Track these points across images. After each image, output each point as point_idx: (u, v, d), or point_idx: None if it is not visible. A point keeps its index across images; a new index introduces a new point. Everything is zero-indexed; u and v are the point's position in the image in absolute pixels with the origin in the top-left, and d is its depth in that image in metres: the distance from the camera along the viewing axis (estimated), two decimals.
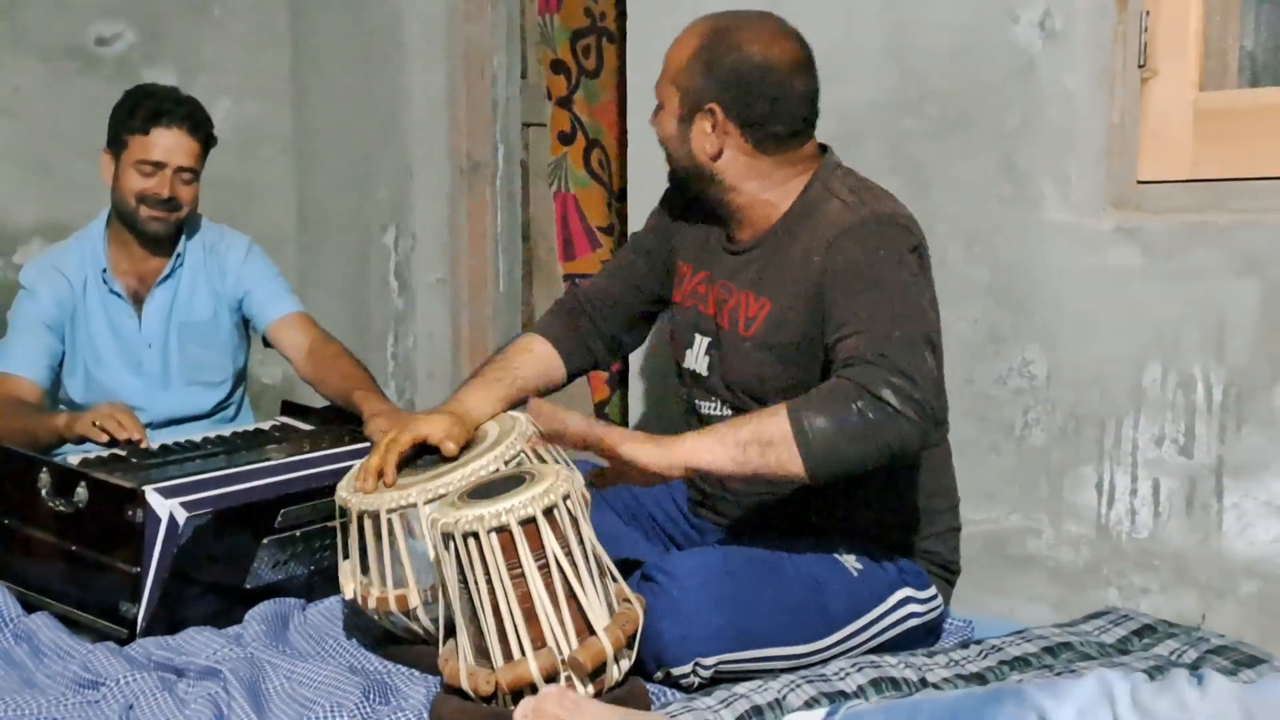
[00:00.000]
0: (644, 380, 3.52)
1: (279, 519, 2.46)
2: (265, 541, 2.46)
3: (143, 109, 3.13)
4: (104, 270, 3.23)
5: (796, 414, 2.11)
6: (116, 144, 3.16)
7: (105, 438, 2.79)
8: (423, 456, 2.34)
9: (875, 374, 2.12)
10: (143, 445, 2.75)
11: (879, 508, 2.43)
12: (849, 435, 2.10)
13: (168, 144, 3.12)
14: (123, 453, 2.66)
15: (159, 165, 3.12)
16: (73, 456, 2.62)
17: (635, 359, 3.50)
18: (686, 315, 2.56)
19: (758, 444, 2.12)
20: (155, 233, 3.19)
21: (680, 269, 2.59)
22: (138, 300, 3.26)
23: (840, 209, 2.34)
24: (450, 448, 2.31)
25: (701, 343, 2.51)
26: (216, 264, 3.31)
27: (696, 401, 2.53)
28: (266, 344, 3.36)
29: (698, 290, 2.53)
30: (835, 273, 2.27)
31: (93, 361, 3.23)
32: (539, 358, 2.62)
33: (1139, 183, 2.72)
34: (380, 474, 2.28)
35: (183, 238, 3.27)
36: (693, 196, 2.55)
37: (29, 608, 2.44)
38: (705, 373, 2.49)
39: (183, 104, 3.17)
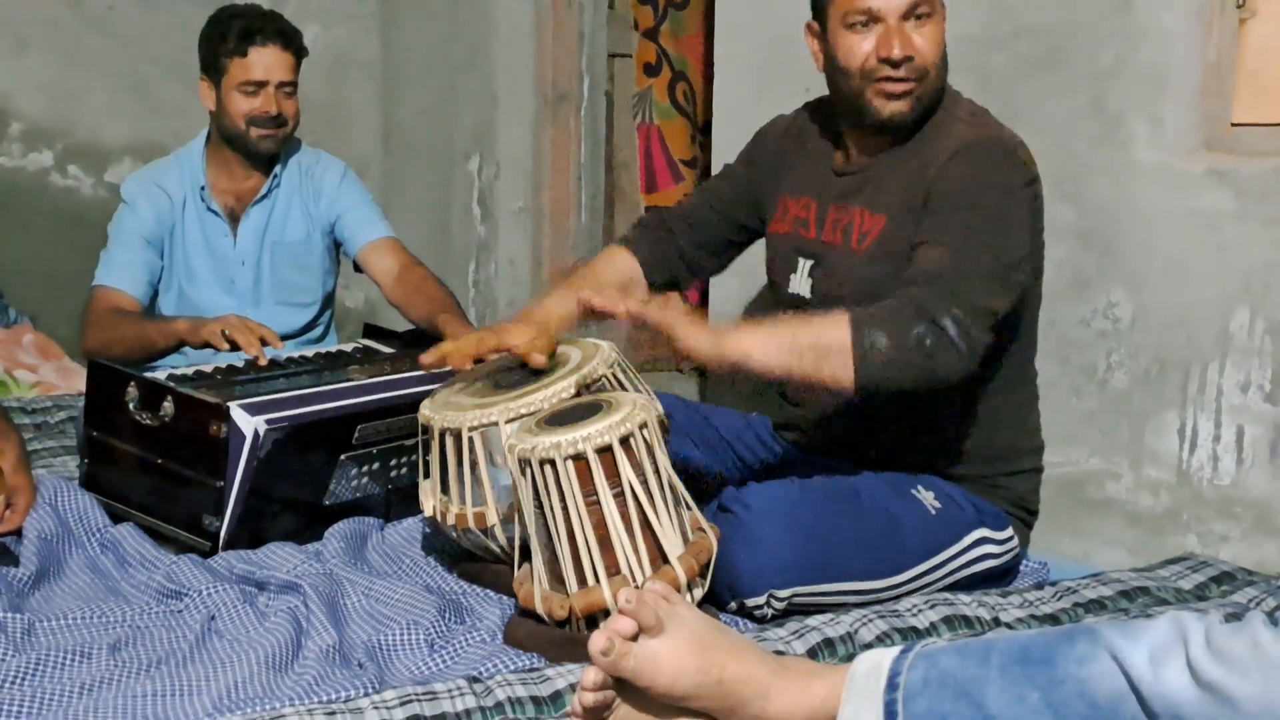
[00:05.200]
0: (722, 311, 3.51)
1: (356, 435, 2.49)
2: (343, 458, 2.49)
3: (234, 31, 3.16)
4: (202, 188, 3.27)
5: (859, 328, 2.12)
6: (214, 70, 3.19)
7: (227, 346, 2.81)
8: (504, 373, 2.37)
9: (941, 300, 2.14)
10: (262, 363, 2.77)
11: (961, 439, 2.43)
12: (904, 359, 2.12)
13: (267, 62, 3.16)
14: (208, 369, 2.70)
15: (261, 84, 3.16)
16: (160, 372, 2.66)
17: (714, 290, 3.50)
18: (787, 241, 2.55)
19: (814, 352, 2.13)
20: (267, 151, 3.24)
21: (782, 203, 2.58)
22: (234, 218, 3.30)
23: (962, 129, 2.35)
24: (539, 359, 2.31)
25: (804, 265, 2.50)
26: (312, 187, 3.35)
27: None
28: (357, 268, 3.40)
29: (799, 216, 2.53)
30: (942, 184, 2.28)
31: (186, 279, 3.28)
32: (622, 270, 2.64)
33: (1233, 125, 2.67)
34: (446, 356, 2.32)
35: (280, 159, 3.31)
36: (830, 125, 2.52)
37: (115, 518, 2.48)
38: (808, 295, 2.48)
39: (272, 20, 3.21)
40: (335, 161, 3.42)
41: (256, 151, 3.24)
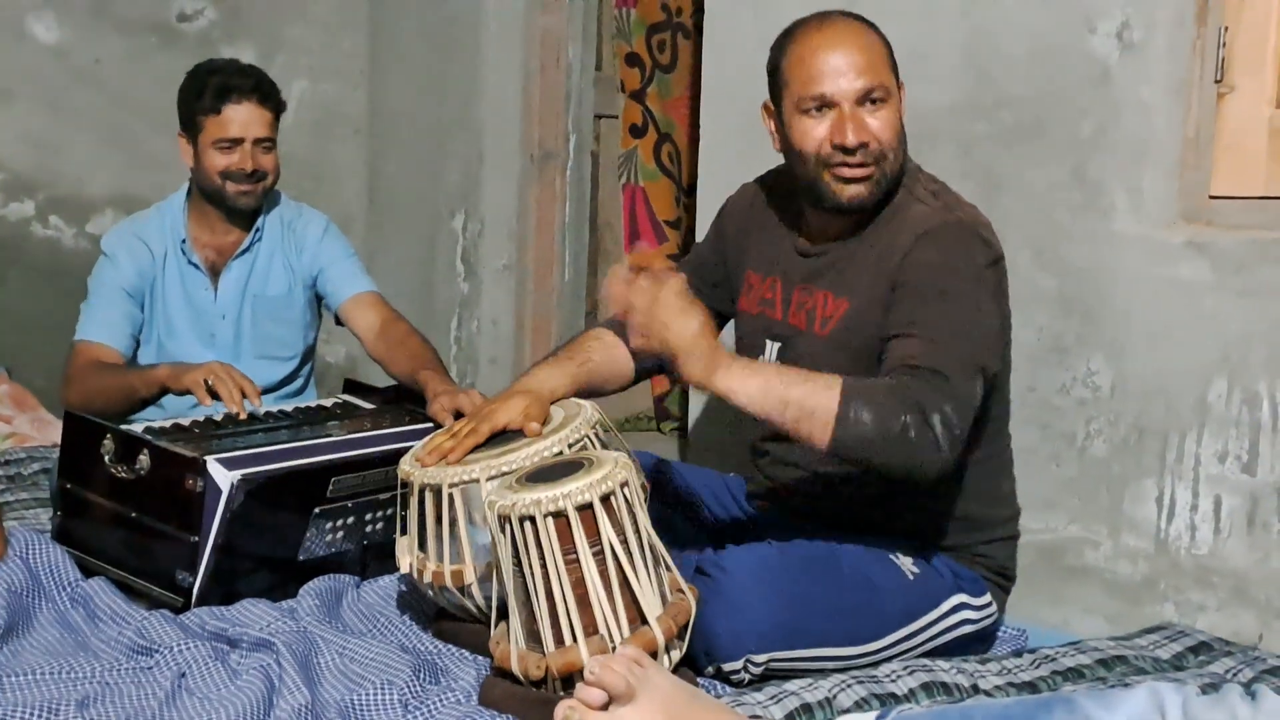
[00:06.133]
0: None
1: (330, 488, 2.47)
2: (317, 512, 2.47)
3: (210, 88, 3.14)
4: (183, 241, 3.25)
5: (848, 400, 2.11)
6: (191, 127, 3.18)
7: (209, 401, 2.79)
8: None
9: (934, 395, 2.12)
10: (241, 417, 2.75)
11: (938, 511, 2.43)
12: (884, 443, 2.11)
13: (242, 118, 3.14)
14: (185, 423, 2.68)
15: (237, 141, 3.14)
16: (137, 424, 2.64)
17: None
18: (755, 321, 2.55)
19: (799, 409, 2.13)
20: (245, 206, 3.22)
21: (749, 278, 2.58)
22: (215, 272, 3.28)
23: (924, 212, 2.34)
24: (535, 428, 2.30)
25: (772, 348, 2.49)
26: (294, 241, 3.33)
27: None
28: (338, 322, 3.38)
29: (766, 296, 2.53)
30: (909, 272, 2.27)
31: (166, 332, 3.25)
32: (608, 347, 2.60)
33: (1212, 197, 2.69)
34: (445, 455, 2.29)
35: (262, 213, 3.29)
36: (780, 202, 2.52)
37: (87, 572, 2.46)
38: None
39: (248, 75, 3.19)
40: (318, 215, 3.41)
41: (235, 207, 3.22)
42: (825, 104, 2.31)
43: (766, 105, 2.45)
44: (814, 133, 2.32)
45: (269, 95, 3.19)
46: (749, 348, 2.55)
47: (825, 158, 2.33)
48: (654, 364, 2.67)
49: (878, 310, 2.31)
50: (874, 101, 2.31)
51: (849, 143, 2.29)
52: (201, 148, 3.16)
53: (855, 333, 2.34)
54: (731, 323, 2.69)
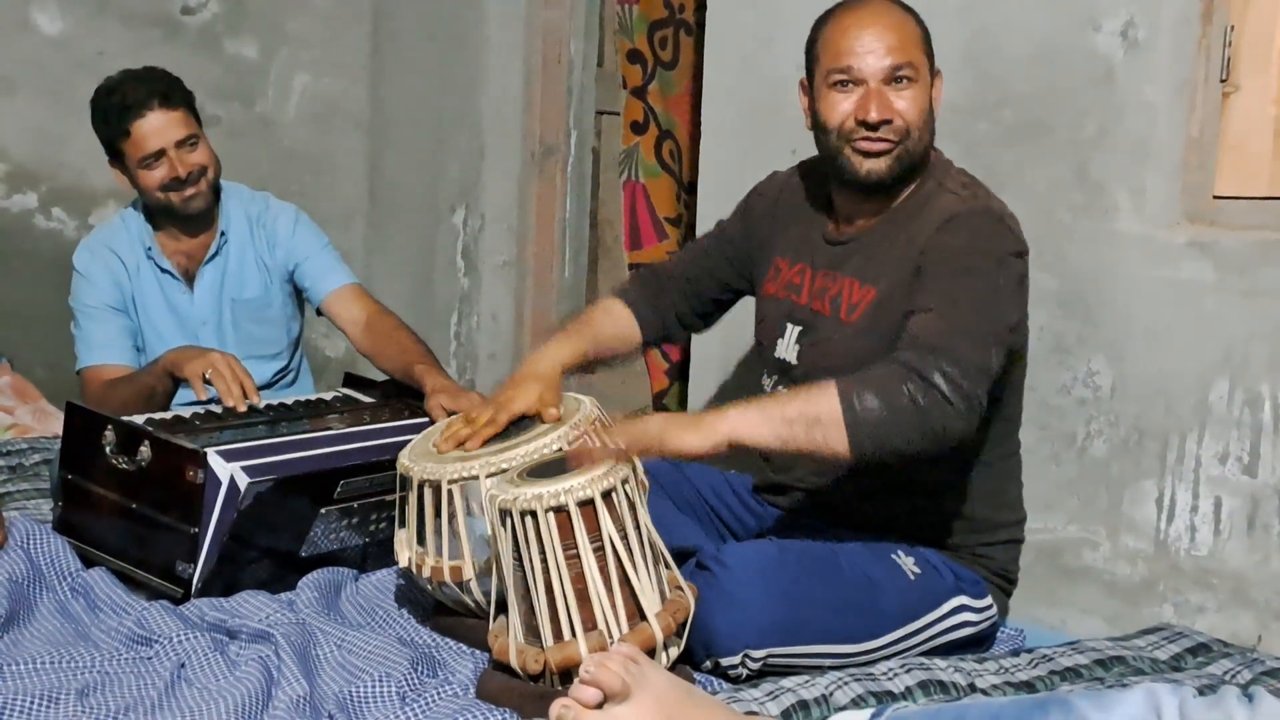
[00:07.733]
0: (704, 371, 3.51)
1: (339, 489, 2.47)
2: (323, 511, 2.48)
3: (113, 113, 3.08)
4: (148, 249, 3.20)
5: (847, 393, 2.11)
6: (114, 156, 3.13)
7: (205, 396, 2.77)
8: None
9: (931, 359, 2.13)
10: (240, 410, 2.74)
11: (942, 509, 2.43)
12: (897, 419, 2.11)
13: (154, 129, 3.06)
14: (186, 414, 2.68)
15: (159, 153, 3.07)
16: (138, 416, 2.64)
17: (696, 350, 3.50)
18: (779, 305, 2.55)
19: (804, 421, 2.12)
20: (198, 209, 3.15)
21: (776, 263, 2.58)
22: (189, 277, 3.24)
23: (953, 200, 2.35)
24: (553, 414, 2.32)
25: (793, 332, 2.50)
26: (264, 236, 3.27)
27: (780, 391, 2.51)
28: (319, 313, 3.33)
29: (793, 281, 2.53)
30: (933, 253, 2.28)
31: (155, 340, 3.20)
32: (617, 320, 2.67)
33: (1215, 197, 2.69)
34: (462, 443, 2.30)
35: (223, 214, 3.23)
36: (823, 187, 2.53)
37: (87, 563, 2.46)
38: (795, 361, 2.49)
39: (142, 83, 3.10)
40: (286, 207, 3.34)
41: (189, 213, 3.15)
42: (853, 79, 2.33)
43: (802, 83, 2.47)
44: (840, 107, 2.35)
45: (170, 94, 3.09)
46: (769, 330, 2.56)
47: (847, 132, 2.35)
48: (662, 334, 2.69)
49: (903, 296, 2.31)
50: (900, 80, 2.33)
51: (871, 118, 2.31)
52: (131, 170, 3.11)
53: (883, 319, 2.34)
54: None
